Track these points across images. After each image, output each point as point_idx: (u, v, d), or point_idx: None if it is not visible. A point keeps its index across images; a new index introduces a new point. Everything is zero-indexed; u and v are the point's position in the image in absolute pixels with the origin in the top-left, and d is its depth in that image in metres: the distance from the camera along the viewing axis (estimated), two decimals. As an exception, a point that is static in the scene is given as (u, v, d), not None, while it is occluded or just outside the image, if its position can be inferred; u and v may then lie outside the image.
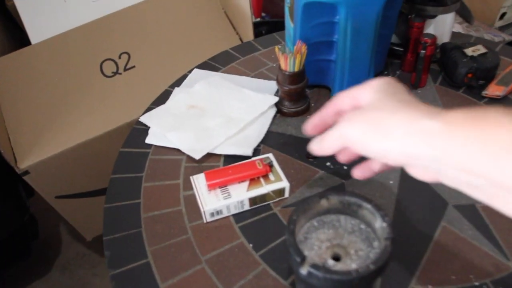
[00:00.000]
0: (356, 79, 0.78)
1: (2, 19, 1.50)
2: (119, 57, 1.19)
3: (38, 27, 1.30)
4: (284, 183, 0.62)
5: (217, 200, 0.60)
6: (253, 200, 0.61)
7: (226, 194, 0.61)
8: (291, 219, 0.43)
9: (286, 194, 0.63)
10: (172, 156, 0.72)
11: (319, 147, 0.44)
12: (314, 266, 0.39)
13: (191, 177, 0.64)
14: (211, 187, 0.61)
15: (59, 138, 1.10)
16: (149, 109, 0.81)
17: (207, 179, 0.61)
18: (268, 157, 0.64)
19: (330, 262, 0.43)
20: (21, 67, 1.19)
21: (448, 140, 0.32)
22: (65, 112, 1.13)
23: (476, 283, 0.52)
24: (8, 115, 1.13)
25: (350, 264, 0.43)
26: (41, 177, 1.12)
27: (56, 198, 1.20)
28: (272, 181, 0.62)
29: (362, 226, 0.46)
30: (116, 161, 0.72)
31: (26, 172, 1.09)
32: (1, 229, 1.23)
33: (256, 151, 0.71)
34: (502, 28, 1.64)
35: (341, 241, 0.45)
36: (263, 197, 0.61)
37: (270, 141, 0.73)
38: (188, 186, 0.66)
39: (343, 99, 0.44)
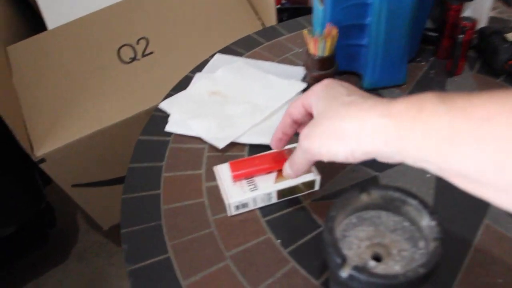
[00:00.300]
0: (389, 66, 0.73)
1: (18, 4, 1.47)
2: (137, 43, 1.16)
3: (55, 12, 1.27)
4: (315, 175, 0.57)
5: (243, 192, 0.56)
6: (281, 193, 0.57)
7: (252, 186, 0.56)
8: (330, 216, 0.39)
9: (317, 187, 0.59)
10: (194, 145, 0.68)
11: (292, 171, 0.49)
12: (357, 268, 0.35)
13: (214, 168, 0.60)
14: (236, 178, 0.57)
15: (76, 126, 1.08)
16: (169, 95, 0.77)
17: (232, 169, 0.57)
18: None
19: (371, 263, 0.39)
20: (38, 53, 1.16)
21: (396, 135, 0.33)
22: (82, 99, 1.10)
23: (527, 288, 0.48)
24: (24, 102, 1.11)
25: (393, 266, 0.39)
26: (58, 165, 1.10)
27: (72, 186, 1.18)
28: None
29: (406, 224, 0.42)
30: (135, 150, 0.69)
31: (42, 160, 1.07)
32: (18, 217, 1.21)
33: (283, 141, 0.67)
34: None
35: (382, 239, 0.41)
36: (292, 190, 0.57)
37: (297, 130, 0.69)
38: (211, 177, 0.63)
39: (295, 109, 0.47)
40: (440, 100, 0.31)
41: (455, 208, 0.56)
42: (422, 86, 0.76)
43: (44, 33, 1.20)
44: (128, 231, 0.58)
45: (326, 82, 0.44)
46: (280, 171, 0.57)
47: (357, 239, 0.41)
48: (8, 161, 1.15)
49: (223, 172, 0.59)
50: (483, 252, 0.52)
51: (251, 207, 0.58)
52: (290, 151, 0.58)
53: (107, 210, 1.31)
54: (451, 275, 0.50)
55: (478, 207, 0.56)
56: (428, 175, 0.61)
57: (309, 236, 0.55)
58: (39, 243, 1.42)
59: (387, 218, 0.42)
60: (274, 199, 0.58)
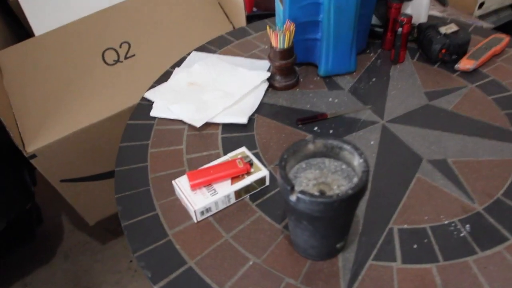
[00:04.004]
0: (340, 56, 0.86)
1: (3, 15, 1.56)
2: (120, 46, 1.26)
3: (41, 20, 1.36)
4: (264, 172, 0.66)
5: (205, 198, 0.63)
6: (238, 193, 0.65)
7: (212, 191, 0.64)
8: (282, 157, 0.50)
9: (267, 183, 0.68)
10: (175, 126, 0.79)
11: None
12: (302, 192, 0.47)
13: (173, 182, 0.66)
14: (194, 187, 0.64)
15: (65, 123, 1.17)
16: (152, 86, 0.88)
17: (190, 179, 0.64)
18: (247, 156, 0.68)
19: (317, 195, 0.51)
20: (27, 57, 1.25)
21: None
22: (70, 99, 1.19)
23: (446, 222, 0.60)
24: (15, 103, 1.19)
25: (334, 197, 0.50)
26: (47, 161, 1.18)
27: (61, 181, 1.26)
28: (252, 172, 0.66)
29: (344, 167, 0.54)
30: (124, 132, 0.79)
31: (33, 156, 1.15)
32: (7, 212, 1.28)
33: (251, 120, 0.78)
34: (481, 17, 1.72)
35: (325, 179, 0.53)
36: (247, 189, 0.65)
37: (263, 111, 0.81)
38: (191, 150, 0.74)
39: None
40: None
41: (394, 166, 0.69)
42: (369, 73, 0.89)
43: (32, 38, 1.29)
44: (122, 195, 0.68)
45: None
46: (234, 178, 0.65)
47: (306, 179, 0.53)
48: (-2, 159, 1.22)
49: (181, 184, 0.65)
50: (415, 197, 0.64)
51: (214, 210, 0.64)
52: (242, 159, 0.66)
53: (94, 205, 1.39)
54: (389, 215, 0.62)
55: (411, 165, 0.68)
56: (372, 142, 0.73)
57: (273, 192, 0.66)
58: (27, 240, 1.48)
59: (330, 163, 0.54)
60: (233, 200, 0.65)
